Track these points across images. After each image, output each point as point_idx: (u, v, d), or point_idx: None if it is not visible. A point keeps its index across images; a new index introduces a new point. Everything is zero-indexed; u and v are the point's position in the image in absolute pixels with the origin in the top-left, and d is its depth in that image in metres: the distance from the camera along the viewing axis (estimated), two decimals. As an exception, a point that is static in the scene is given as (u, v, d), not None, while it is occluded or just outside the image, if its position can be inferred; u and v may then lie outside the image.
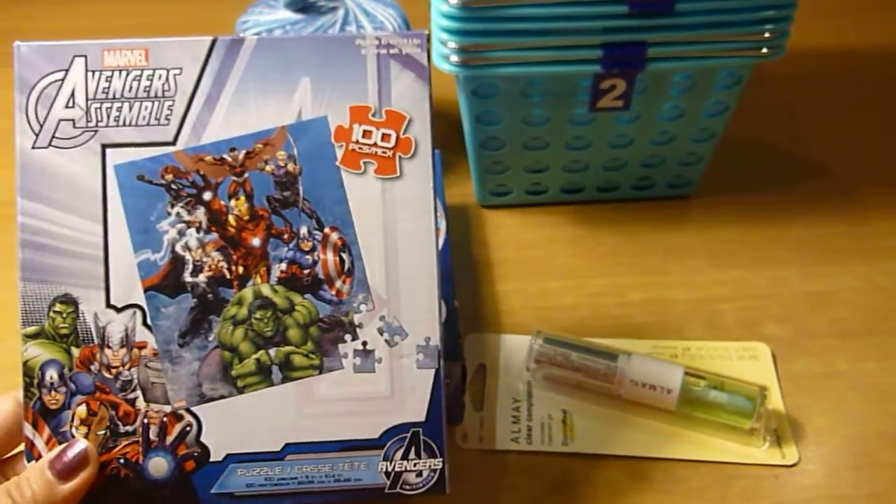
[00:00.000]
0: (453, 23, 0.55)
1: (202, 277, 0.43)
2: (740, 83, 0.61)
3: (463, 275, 0.64)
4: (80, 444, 0.41)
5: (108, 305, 0.43)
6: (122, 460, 0.43)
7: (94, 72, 0.43)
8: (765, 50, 0.57)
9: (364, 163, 0.43)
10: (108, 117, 0.43)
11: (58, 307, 0.42)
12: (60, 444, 0.42)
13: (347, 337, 0.43)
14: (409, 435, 0.43)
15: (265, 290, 0.43)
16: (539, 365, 0.54)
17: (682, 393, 0.52)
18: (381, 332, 0.43)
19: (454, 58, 0.56)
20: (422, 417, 0.43)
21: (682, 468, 0.51)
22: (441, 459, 0.43)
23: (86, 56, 0.43)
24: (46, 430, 0.42)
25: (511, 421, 0.54)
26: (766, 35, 0.57)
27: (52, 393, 0.42)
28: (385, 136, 0.43)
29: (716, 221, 0.69)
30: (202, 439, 0.43)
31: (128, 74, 0.43)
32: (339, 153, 0.43)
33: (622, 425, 0.53)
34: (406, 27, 0.68)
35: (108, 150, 0.43)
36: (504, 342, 0.59)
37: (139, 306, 0.43)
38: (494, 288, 0.63)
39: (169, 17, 0.96)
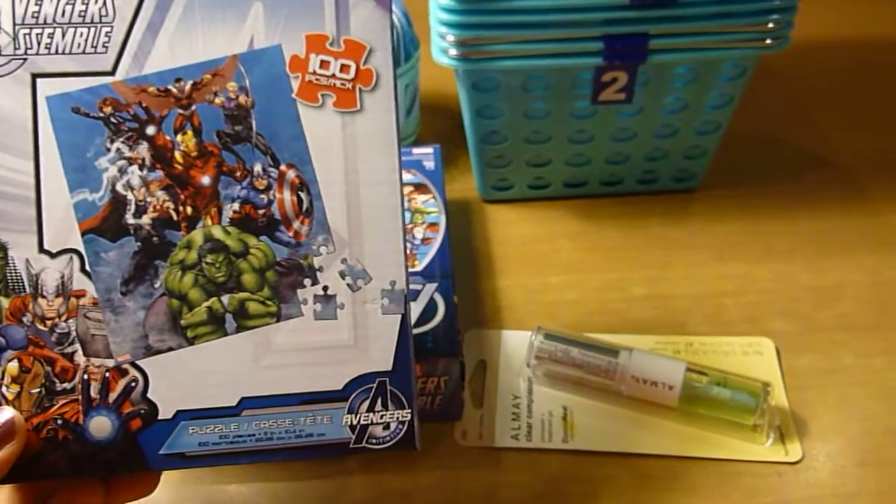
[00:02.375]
0: (452, 16, 0.53)
1: (146, 219, 0.39)
2: (744, 75, 0.60)
3: (464, 270, 0.61)
4: (5, 415, 0.37)
5: (42, 251, 0.38)
6: (59, 421, 0.39)
7: None
8: (769, 41, 0.56)
9: (322, 95, 0.39)
10: (39, 44, 0.38)
11: None
12: None
13: (307, 282, 0.40)
14: (374, 385, 0.40)
15: (216, 231, 0.39)
16: (540, 361, 0.53)
17: (683, 389, 0.50)
18: (342, 275, 0.40)
19: (453, 51, 0.55)
20: (388, 366, 0.40)
21: (684, 465, 0.49)
22: (409, 411, 0.40)
23: None
24: None
25: (511, 418, 0.52)
26: (771, 26, 0.55)
27: None
28: (344, 67, 0.39)
29: (720, 215, 0.66)
30: (149, 395, 0.39)
31: None
32: (295, 85, 0.39)
33: (623, 422, 0.51)
34: (406, 20, 0.67)
35: (39, 80, 0.38)
36: (505, 338, 0.57)
37: (76, 251, 0.39)
38: (496, 283, 0.62)
39: None
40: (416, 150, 0.63)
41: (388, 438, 0.40)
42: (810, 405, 0.53)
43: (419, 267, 0.54)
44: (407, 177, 0.61)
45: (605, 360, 0.51)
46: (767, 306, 0.59)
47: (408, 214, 0.58)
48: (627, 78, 0.56)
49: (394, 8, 0.66)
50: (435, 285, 0.53)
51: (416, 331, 0.50)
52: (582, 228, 0.66)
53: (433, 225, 0.58)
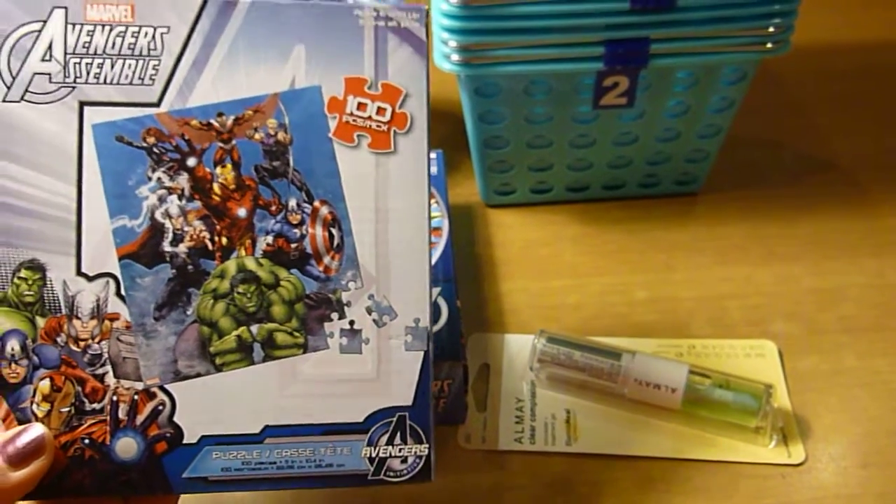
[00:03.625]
0: (454, 22, 0.54)
1: (182, 247, 0.41)
2: (745, 79, 0.60)
3: (467, 274, 0.63)
4: (36, 430, 0.38)
5: (79, 273, 0.40)
6: (86, 440, 0.40)
7: (74, 25, 0.40)
8: (769, 45, 0.56)
9: (358, 136, 0.41)
10: (88, 73, 0.40)
11: (23, 273, 0.40)
12: (19, 421, 0.39)
13: (334, 315, 0.41)
14: (394, 419, 0.41)
15: (249, 263, 0.41)
16: (542, 364, 0.53)
17: (686, 392, 0.51)
18: (369, 311, 0.41)
19: (455, 57, 0.56)
20: (409, 401, 0.41)
21: (687, 468, 0.50)
22: (427, 445, 0.41)
23: (66, 8, 0.40)
24: (4, 406, 0.39)
25: (514, 421, 0.52)
26: (771, 30, 0.55)
27: (13, 365, 0.40)
28: (380, 110, 0.41)
29: (722, 218, 0.67)
30: (175, 419, 0.40)
31: (111, 30, 0.40)
32: (333, 125, 0.41)
33: (626, 425, 0.52)
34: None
35: (87, 108, 0.40)
36: (508, 342, 0.58)
37: (113, 275, 0.40)
38: (499, 287, 0.62)
39: None
40: (419, 156, 0.64)
41: (405, 472, 0.42)
42: (813, 407, 0.53)
43: (422, 271, 0.55)
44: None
45: (607, 363, 0.52)
46: (770, 309, 0.59)
47: None
48: (629, 82, 0.57)
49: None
50: (438, 289, 0.53)
51: None
52: (584, 232, 0.66)
53: (436, 229, 0.58)
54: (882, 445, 0.51)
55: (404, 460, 0.41)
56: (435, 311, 0.53)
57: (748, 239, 0.65)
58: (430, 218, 0.42)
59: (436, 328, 0.52)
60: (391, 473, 0.41)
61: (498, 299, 0.61)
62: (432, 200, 0.59)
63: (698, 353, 0.56)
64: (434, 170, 0.63)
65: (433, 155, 0.64)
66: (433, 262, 0.55)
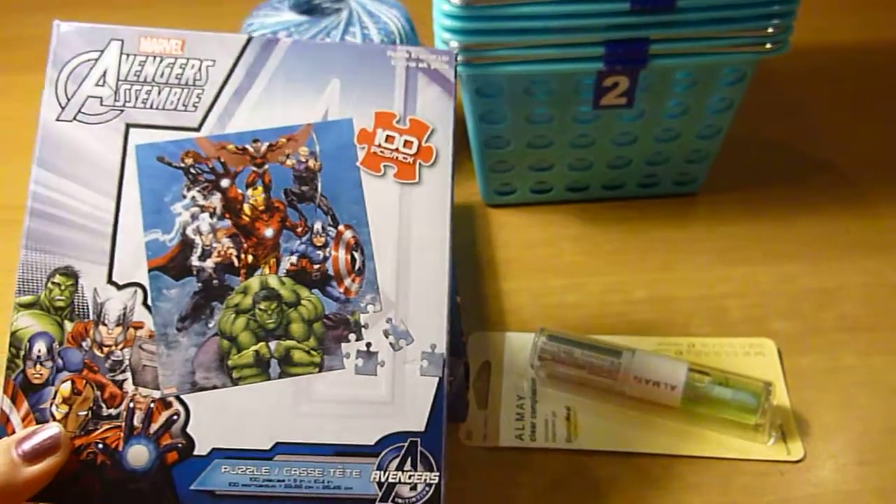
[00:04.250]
0: (455, 22, 0.55)
1: (210, 263, 0.43)
2: (744, 79, 0.61)
3: (468, 273, 0.64)
4: (52, 429, 0.39)
5: (110, 282, 0.42)
6: (100, 445, 0.41)
7: (128, 55, 0.43)
8: (769, 45, 0.57)
9: (384, 166, 0.44)
10: (136, 99, 0.43)
11: (57, 278, 0.42)
12: (38, 421, 0.40)
13: (352, 336, 0.43)
14: (406, 444, 0.42)
15: (272, 281, 0.43)
16: (543, 362, 0.54)
17: (686, 389, 0.51)
18: (386, 334, 0.43)
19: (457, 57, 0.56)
20: (421, 427, 0.42)
21: (687, 464, 0.50)
22: (438, 474, 0.42)
23: (123, 40, 0.44)
24: (25, 406, 0.41)
25: (515, 418, 0.53)
26: (770, 30, 0.56)
27: (38, 367, 0.41)
28: (407, 143, 0.44)
29: (722, 218, 0.68)
30: (188, 430, 0.41)
31: (161, 61, 0.44)
32: (361, 154, 0.44)
33: (626, 422, 0.53)
34: (410, 28, 0.68)
35: (132, 130, 0.43)
36: (508, 340, 0.58)
37: (141, 285, 0.42)
38: (499, 286, 0.63)
39: (172, 20, 0.96)
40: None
41: (413, 499, 0.42)
42: (812, 405, 0.53)
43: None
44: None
45: (607, 360, 0.52)
46: (769, 308, 0.60)
47: None
48: (628, 83, 0.58)
49: (398, 14, 0.67)
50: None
51: None
52: (584, 232, 0.67)
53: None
54: (880, 442, 0.52)
55: (413, 487, 0.42)
56: None
57: (747, 238, 0.66)
58: (451, 248, 0.43)
59: None
60: (399, 500, 0.41)
61: (498, 298, 0.62)
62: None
63: (698, 351, 0.57)
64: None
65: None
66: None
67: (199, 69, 0.44)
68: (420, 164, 0.44)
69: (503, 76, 0.58)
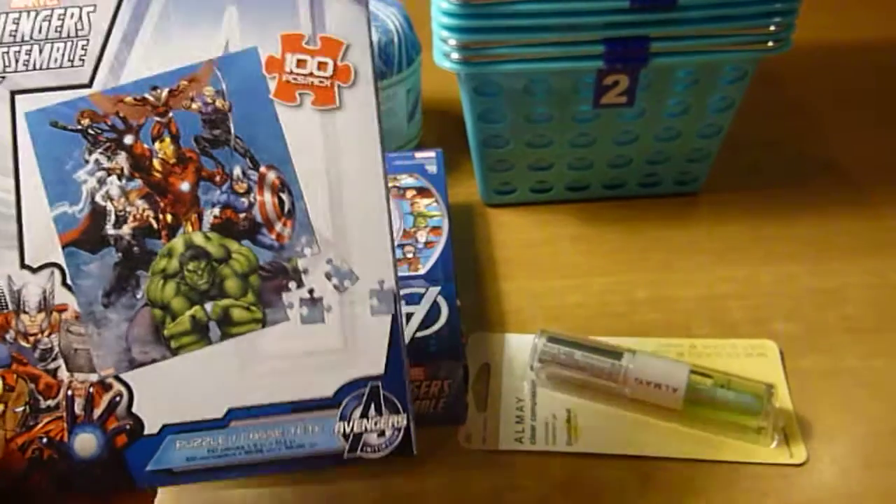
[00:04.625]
0: (454, 20, 0.53)
1: (126, 229, 0.38)
2: (746, 78, 0.60)
3: (467, 274, 0.61)
4: None
5: (23, 266, 0.38)
6: (44, 440, 0.38)
7: None
8: (770, 43, 0.55)
9: (300, 94, 0.39)
10: (17, 62, 0.38)
11: None
12: None
13: (292, 285, 0.39)
14: (367, 390, 0.38)
15: (197, 238, 0.38)
16: (543, 364, 0.52)
17: (687, 391, 0.49)
18: (328, 276, 0.39)
19: (455, 55, 0.55)
20: (380, 370, 0.38)
21: (688, 468, 0.48)
22: (405, 415, 0.39)
23: None
24: None
25: (515, 421, 0.51)
26: (772, 28, 0.55)
27: None
28: (321, 65, 0.39)
29: (723, 218, 0.65)
30: (134, 410, 0.38)
31: (37, 15, 0.38)
32: (272, 85, 0.38)
33: (627, 424, 0.50)
34: (408, 25, 0.67)
35: (18, 97, 0.38)
36: (508, 341, 0.56)
37: (58, 265, 0.38)
38: (499, 287, 0.61)
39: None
40: (418, 155, 0.63)
41: (383, 446, 0.39)
42: (814, 407, 0.52)
43: (422, 270, 0.54)
44: (409, 181, 0.61)
45: (608, 362, 0.51)
46: (770, 309, 0.58)
47: (410, 218, 0.58)
48: (629, 81, 0.56)
49: (395, 12, 0.66)
50: (438, 289, 0.53)
51: (419, 334, 0.49)
52: (584, 232, 0.65)
53: (436, 229, 0.57)
54: (884, 445, 0.50)
55: (381, 433, 0.39)
56: (435, 311, 0.51)
57: (749, 239, 0.64)
58: (385, 174, 0.39)
59: (435, 328, 0.50)
60: (368, 449, 0.39)
61: (498, 299, 0.61)
62: (432, 200, 0.59)
63: (699, 352, 0.56)
64: (434, 169, 0.62)
65: (432, 154, 0.63)
66: (433, 261, 0.55)
67: (80, 18, 0.38)
68: (339, 85, 0.39)
69: (502, 75, 0.57)
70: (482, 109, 0.59)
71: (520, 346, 0.55)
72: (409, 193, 0.59)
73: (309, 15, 0.39)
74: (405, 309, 0.50)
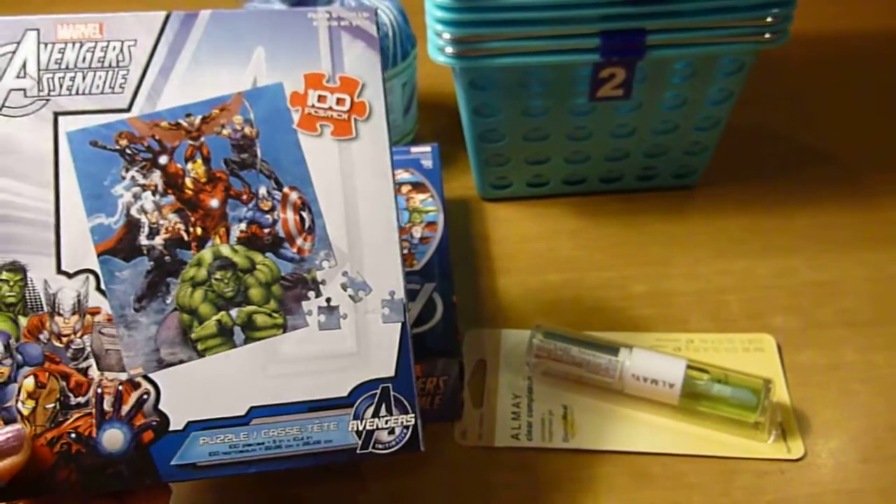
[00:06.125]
0: (448, 13, 0.54)
1: (159, 240, 0.43)
2: (743, 70, 0.60)
3: (463, 269, 0.64)
4: (12, 429, 0.39)
5: (60, 271, 0.42)
6: (73, 434, 0.41)
7: (46, 44, 0.43)
8: (767, 35, 0.56)
9: (320, 125, 0.45)
10: (61, 87, 0.43)
11: (4, 275, 0.42)
12: (5, 420, 0.40)
13: (311, 294, 0.44)
14: (378, 391, 0.43)
15: (225, 250, 0.43)
16: (539, 360, 0.54)
17: (684, 387, 0.51)
18: (344, 287, 0.44)
19: (449, 49, 0.56)
20: (391, 373, 0.43)
21: (685, 463, 0.51)
22: (413, 415, 0.43)
23: (38, 30, 0.43)
24: None
25: (511, 417, 0.53)
26: (769, 20, 0.56)
27: None
28: (340, 101, 0.45)
29: (721, 211, 0.68)
30: (160, 407, 0.42)
31: (81, 46, 0.44)
32: (296, 117, 0.44)
33: (624, 421, 0.53)
34: (403, 20, 0.67)
35: (61, 118, 0.43)
36: (505, 337, 0.59)
37: (92, 271, 0.42)
38: (495, 282, 0.63)
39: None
40: (413, 149, 0.64)
41: (393, 443, 0.43)
42: (812, 401, 0.53)
43: (417, 266, 0.55)
44: (405, 175, 0.62)
45: (605, 358, 0.52)
46: (768, 302, 0.60)
47: (406, 213, 0.59)
48: (625, 74, 0.57)
49: (390, 6, 0.66)
50: (433, 285, 0.53)
51: (414, 331, 0.52)
52: (581, 226, 0.66)
53: (431, 224, 0.58)
54: (881, 440, 0.51)
55: (391, 431, 0.43)
56: (430, 307, 0.54)
57: (747, 232, 0.66)
58: (395, 195, 0.45)
59: (431, 324, 0.53)
60: (380, 445, 0.43)
61: (494, 294, 0.61)
62: (427, 195, 0.60)
63: (696, 347, 0.56)
64: (429, 164, 0.63)
65: (428, 149, 0.65)
66: (429, 257, 0.56)
67: (121, 50, 0.44)
68: (355, 119, 0.45)
69: (497, 68, 0.58)
70: (477, 103, 0.60)
71: (516, 342, 0.56)
72: (405, 188, 0.60)
73: (329, 57, 0.45)
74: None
